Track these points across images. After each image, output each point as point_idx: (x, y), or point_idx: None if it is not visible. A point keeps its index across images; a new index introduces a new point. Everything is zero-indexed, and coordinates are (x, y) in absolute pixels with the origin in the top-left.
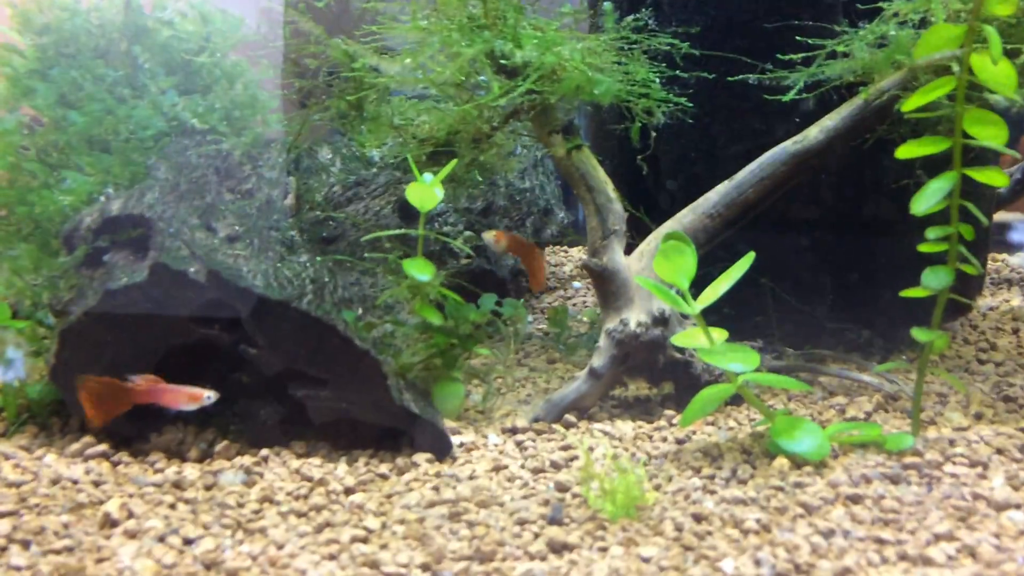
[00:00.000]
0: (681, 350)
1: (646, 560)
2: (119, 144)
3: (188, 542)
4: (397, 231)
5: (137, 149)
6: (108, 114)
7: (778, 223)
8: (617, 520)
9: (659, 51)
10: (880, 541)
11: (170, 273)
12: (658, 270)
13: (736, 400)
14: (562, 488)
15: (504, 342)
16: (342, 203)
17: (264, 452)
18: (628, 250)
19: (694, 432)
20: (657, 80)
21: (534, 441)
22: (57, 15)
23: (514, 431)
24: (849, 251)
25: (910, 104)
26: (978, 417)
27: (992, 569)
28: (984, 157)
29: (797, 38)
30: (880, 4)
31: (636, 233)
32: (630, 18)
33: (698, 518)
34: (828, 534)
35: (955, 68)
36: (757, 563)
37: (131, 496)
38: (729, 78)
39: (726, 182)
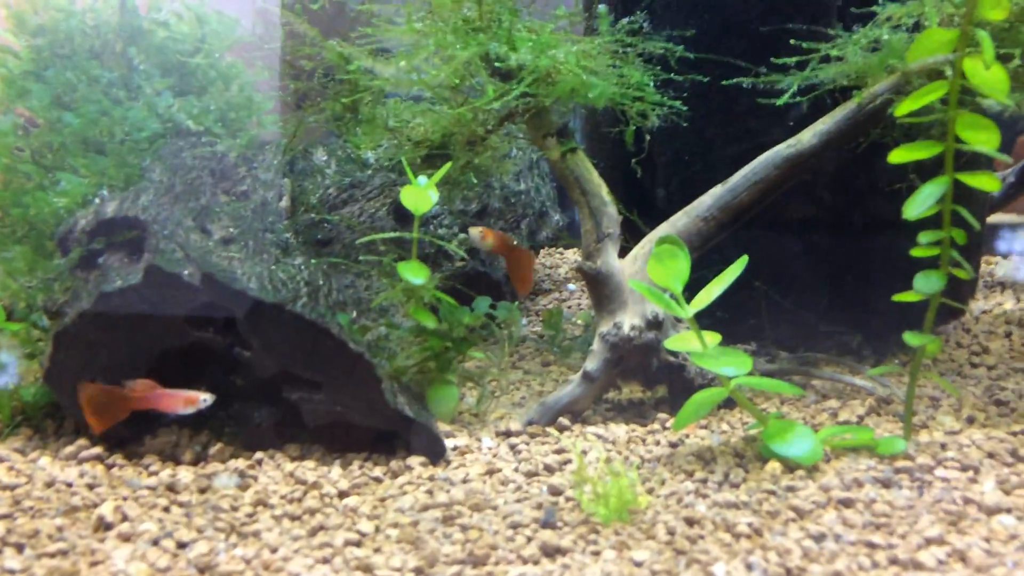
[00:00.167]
0: (675, 354)
1: (638, 564)
2: (114, 146)
3: (182, 545)
4: (392, 234)
5: (132, 151)
6: (103, 115)
7: (772, 226)
8: (610, 524)
9: (654, 54)
10: (871, 545)
11: (164, 275)
12: (652, 274)
13: (729, 403)
14: (555, 492)
15: (498, 345)
16: (337, 205)
17: (258, 455)
18: (622, 253)
19: (687, 435)
20: (651, 83)
21: (528, 444)
22: (52, 16)
23: (508, 434)
24: (843, 254)
25: (903, 108)
26: (970, 421)
27: (982, 573)
28: (977, 161)
29: (791, 42)
30: (874, 8)
31: (630, 236)
32: (625, 21)
33: (690, 522)
34: (819, 538)
35: (948, 72)
36: (749, 567)
37: (125, 499)
38: (724, 81)
39: (720, 185)
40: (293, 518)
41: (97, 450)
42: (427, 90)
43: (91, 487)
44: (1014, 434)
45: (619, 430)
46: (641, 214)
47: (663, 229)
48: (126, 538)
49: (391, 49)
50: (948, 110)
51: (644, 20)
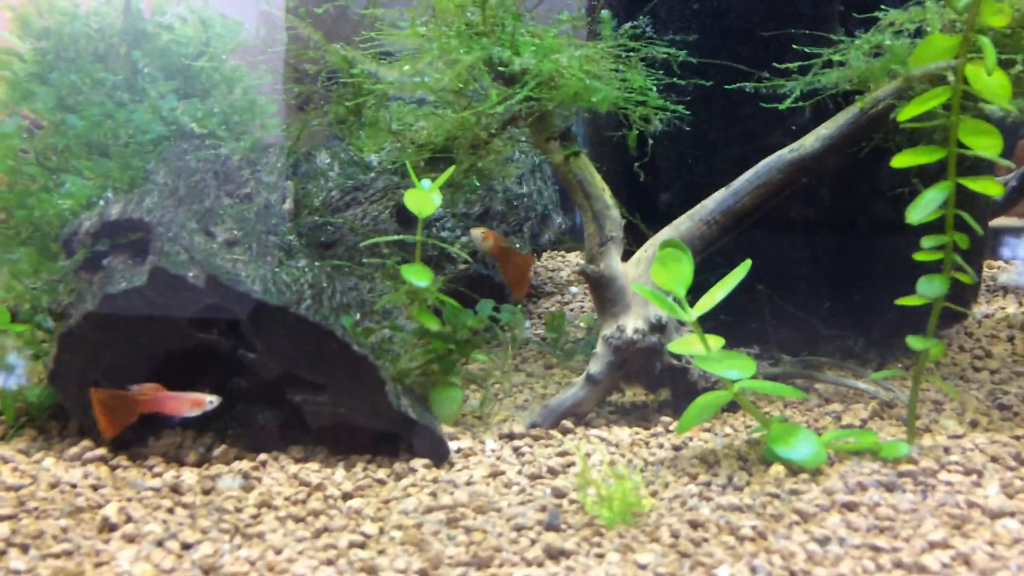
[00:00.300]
0: (678, 357)
1: (643, 567)
2: (118, 148)
3: (186, 547)
4: (395, 237)
5: (136, 153)
6: (107, 118)
7: (775, 230)
8: (614, 526)
9: (656, 59)
10: (875, 549)
11: (169, 277)
12: (655, 277)
13: (733, 407)
14: (559, 494)
15: (502, 348)
16: (340, 208)
17: (262, 457)
18: (625, 257)
19: (691, 439)
20: (654, 88)
21: (531, 447)
22: (57, 19)
23: (511, 437)
24: (846, 258)
25: (905, 114)
26: (973, 425)
27: None
28: (979, 166)
29: (794, 47)
30: (876, 14)
31: (633, 240)
32: (628, 25)
33: (694, 525)
34: (824, 541)
35: (950, 78)
36: (753, 570)
37: (129, 500)
38: (726, 86)
39: (723, 189)
40: (297, 520)
41: (101, 451)
42: (431, 94)
43: (95, 488)
44: (1017, 438)
45: (622, 433)
46: (643, 218)
47: (666, 233)
48: (131, 539)
49: (393, 53)
50: (950, 115)
51: (647, 24)
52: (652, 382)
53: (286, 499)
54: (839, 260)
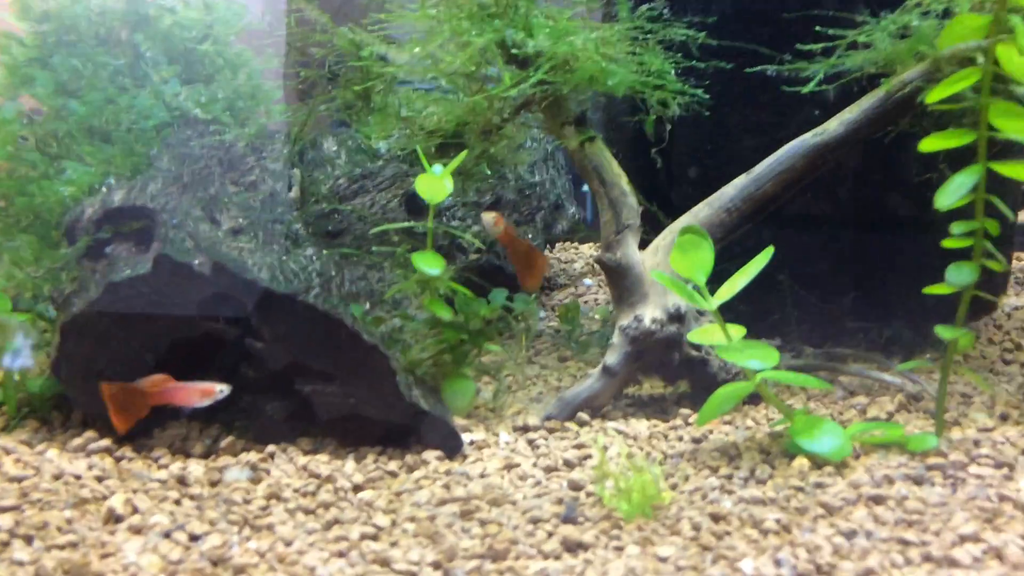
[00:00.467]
0: (697, 347)
1: (663, 560)
2: (120, 134)
3: (194, 538)
4: (405, 224)
5: (139, 139)
6: (109, 103)
7: (797, 218)
8: (633, 519)
9: (674, 41)
10: (904, 542)
11: (174, 265)
12: (675, 264)
13: (754, 399)
14: (576, 487)
15: (515, 339)
16: (348, 196)
17: (270, 448)
18: (642, 246)
19: (711, 431)
20: (672, 71)
21: (546, 439)
22: (58, 2)
23: (526, 429)
24: (871, 247)
25: (934, 96)
26: (1003, 418)
27: (1019, 571)
28: (1010, 150)
29: (817, 28)
30: None
31: (650, 228)
32: (644, 7)
33: (716, 518)
34: (850, 535)
35: (980, 59)
36: (777, 563)
37: (135, 492)
38: (747, 69)
39: (743, 175)
40: (307, 512)
41: (105, 442)
42: (442, 77)
43: (100, 479)
44: None
45: (640, 425)
46: (661, 205)
47: (685, 220)
48: (137, 530)
49: (399, 36)
50: (981, 97)
51: (664, 6)
52: (670, 373)
53: (295, 491)
54: (864, 249)
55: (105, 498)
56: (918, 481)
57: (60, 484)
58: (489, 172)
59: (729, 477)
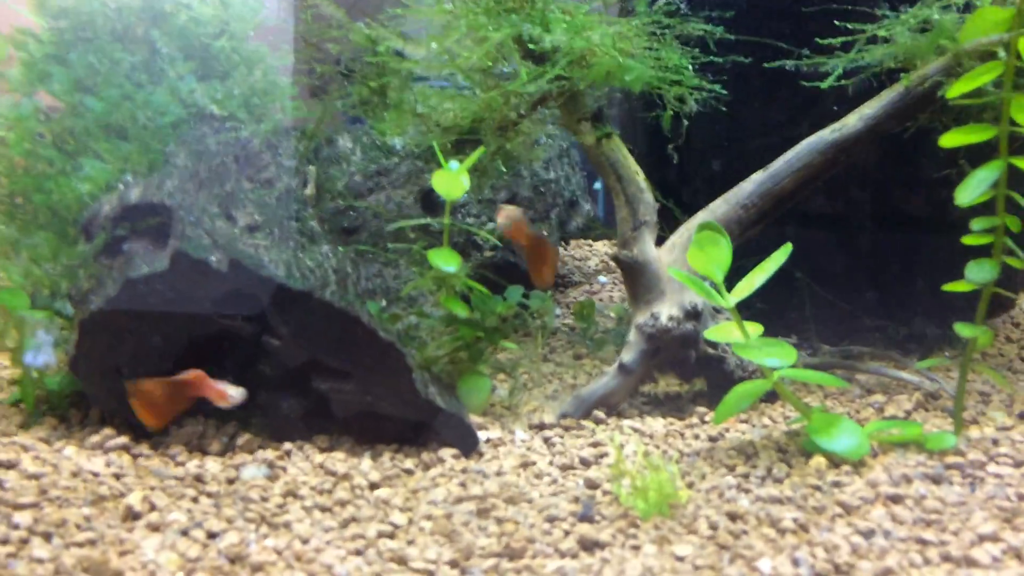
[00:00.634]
0: (714, 345)
1: (680, 559)
2: (137, 130)
3: (212, 535)
4: (422, 220)
5: (155, 136)
6: (125, 100)
7: (815, 215)
8: (650, 518)
9: (692, 36)
10: (922, 542)
11: (191, 262)
12: (692, 261)
13: (771, 397)
14: (592, 485)
15: (531, 336)
16: (363, 193)
17: (287, 446)
18: (658, 243)
19: (727, 430)
20: (690, 66)
21: (562, 437)
22: None
23: (542, 427)
24: (889, 244)
25: (955, 91)
26: (1022, 416)
27: None
28: None
29: (835, 22)
30: None
31: (666, 226)
32: (662, 2)
33: (733, 517)
34: (868, 534)
35: (1001, 53)
36: (795, 563)
37: (153, 489)
38: (765, 64)
39: (761, 171)
40: (324, 509)
41: (123, 440)
42: (458, 73)
43: (118, 477)
44: None
45: (656, 423)
46: (677, 202)
47: (702, 216)
48: (155, 528)
49: (414, 32)
50: (1002, 92)
51: (682, 1)
52: (687, 371)
53: (312, 488)
54: (882, 246)
55: (123, 495)
56: (936, 480)
57: (78, 481)
58: (504, 169)
59: (746, 476)
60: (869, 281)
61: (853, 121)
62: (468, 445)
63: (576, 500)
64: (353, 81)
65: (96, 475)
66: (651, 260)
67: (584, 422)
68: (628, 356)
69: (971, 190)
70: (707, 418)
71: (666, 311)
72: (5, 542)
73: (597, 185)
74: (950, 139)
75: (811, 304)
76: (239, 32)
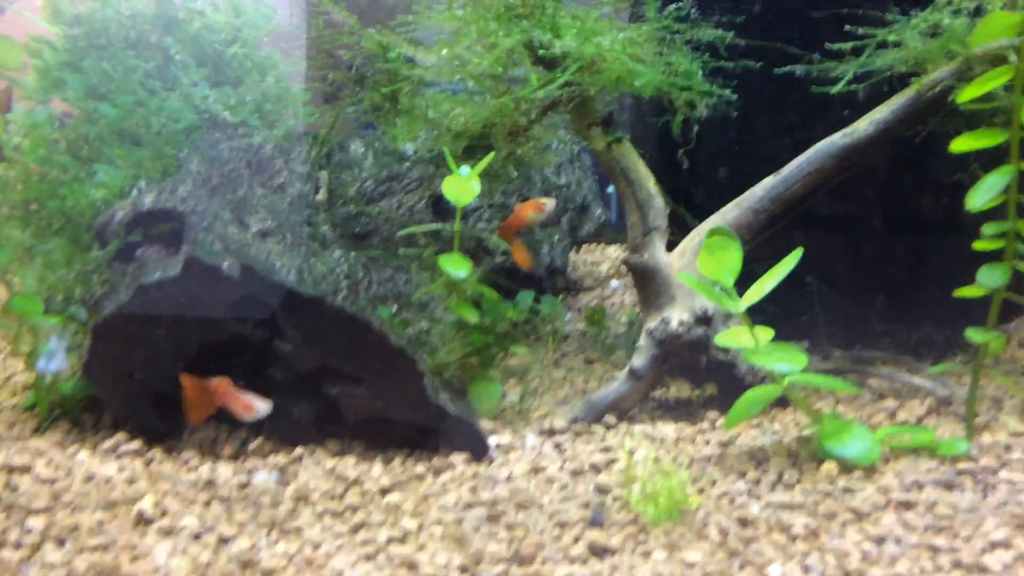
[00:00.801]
0: (725, 350)
1: (690, 565)
2: (150, 137)
3: (223, 541)
4: (433, 226)
5: (168, 142)
6: (139, 106)
7: (826, 219)
8: (660, 524)
9: (702, 42)
10: (934, 548)
11: (203, 267)
12: (702, 266)
13: (782, 402)
14: (602, 490)
15: (541, 341)
16: (375, 198)
17: (298, 451)
18: (669, 247)
19: (738, 435)
20: (700, 71)
21: (573, 442)
22: (88, 5)
23: (552, 432)
24: (900, 249)
25: (965, 95)
26: None
27: None
28: None
29: (846, 27)
30: None
31: (677, 230)
32: (672, 7)
33: (744, 523)
34: (879, 540)
35: (1012, 57)
36: (806, 569)
37: (165, 494)
38: (775, 69)
39: (772, 176)
40: (335, 515)
41: (136, 445)
42: (469, 79)
43: (130, 482)
44: None
45: (667, 429)
46: (688, 207)
47: (713, 221)
48: (167, 533)
49: (424, 39)
50: (1013, 97)
51: (692, 6)
52: (697, 377)
53: (323, 494)
54: (893, 251)
55: (135, 500)
56: (948, 486)
57: (91, 486)
58: (515, 174)
59: (757, 481)
60: (880, 285)
61: (864, 125)
62: (478, 450)
63: (586, 506)
64: (365, 87)
65: (109, 480)
66: (662, 265)
67: (595, 427)
68: (639, 361)
69: (982, 194)
70: (718, 423)
71: (676, 316)
72: (18, 546)
73: (610, 189)
74: (961, 144)
75: (822, 308)
76: (252, 39)
